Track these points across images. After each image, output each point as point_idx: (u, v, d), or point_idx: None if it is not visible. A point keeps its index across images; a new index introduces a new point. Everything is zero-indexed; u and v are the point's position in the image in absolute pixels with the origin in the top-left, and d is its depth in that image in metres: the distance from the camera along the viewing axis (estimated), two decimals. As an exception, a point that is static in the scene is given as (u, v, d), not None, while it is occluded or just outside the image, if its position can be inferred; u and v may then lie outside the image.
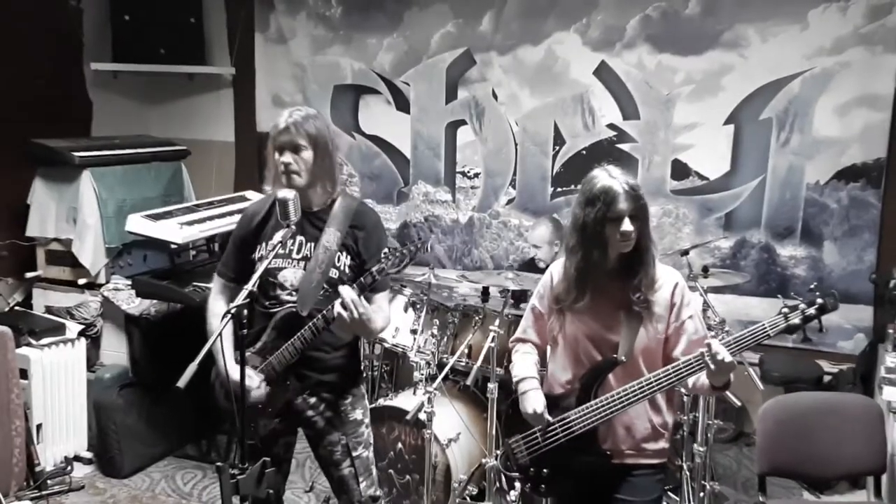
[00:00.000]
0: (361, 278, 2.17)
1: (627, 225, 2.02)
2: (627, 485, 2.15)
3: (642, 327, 2.10)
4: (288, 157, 2.26)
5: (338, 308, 2.12)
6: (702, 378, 2.05)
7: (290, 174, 2.27)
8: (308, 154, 2.27)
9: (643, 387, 2.05)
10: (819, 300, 1.90)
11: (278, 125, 2.27)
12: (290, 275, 2.31)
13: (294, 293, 2.30)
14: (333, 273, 2.30)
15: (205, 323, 2.45)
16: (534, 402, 2.18)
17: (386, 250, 2.16)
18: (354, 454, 2.43)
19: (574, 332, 2.18)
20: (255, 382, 2.27)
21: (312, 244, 2.32)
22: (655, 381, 2.04)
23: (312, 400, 2.38)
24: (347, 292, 2.11)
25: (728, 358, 1.92)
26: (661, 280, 2.13)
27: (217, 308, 2.41)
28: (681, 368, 2.01)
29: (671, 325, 2.12)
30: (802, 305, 1.91)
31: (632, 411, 2.11)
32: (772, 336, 1.91)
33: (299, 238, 2.33)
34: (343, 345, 2.40)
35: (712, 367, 1.93)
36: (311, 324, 2.22)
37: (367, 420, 2.50)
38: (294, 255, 2.33)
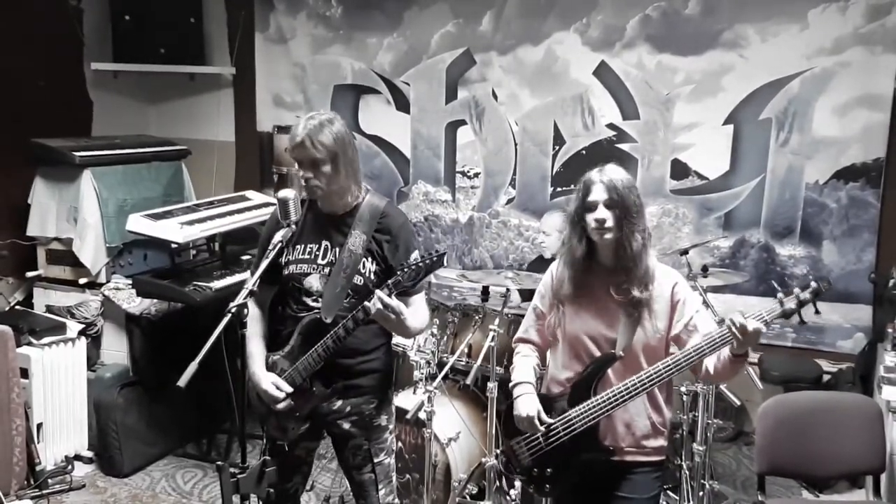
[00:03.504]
0: (380, 290, 2.13)
1: (602, 213, 2.08)
2: (627, 482, 2.16)
3: (641, 324, 2.11)
4: (308, 173, 2.22)
5: (376, 304, 2.10)
6: (723, 353, 2.01)
7: (310, 188, 2.25)
8: (327, 167, 2.21)
9: (643, 380, 2.06)
10: (813, 283, 1.93)
11: (294, 137, 2.20)
12: (315, 281, 2.29)
13: (319, 299, 2.28)
14: (358, 280, 2.27)
15: (207, 325, 2.44)
16: (526, 406, 2.19)
17: (402, 264, 2.14)
18: (376, 460, 2.41)
19: (574, 331, 2.19)
20: (281, 395, 2.26)
21: (338, 249, 2.29)
22: (655, 373, 2.05)
23: (339, 403, 2.36)
24: (381, 294, 2.10)
25: (756, 326, 1.89)
26: (660, 278, 2.14)
27: (250, 310, 2.40)
28: (691, 355, 2.01)
29: (677, 325, 2.13)
30: (797, 290, 1.94)
31: (632, 409, 2.12)
32: (769, 323, 1.92)
33: (325, 243, 2.31)
34: (371, 349, 2.37)
35: (741, 338, 1.91)
36: (333, 332, 2.20)
37: (391, 427, 2.48)
38: (319, 261, 2.30)
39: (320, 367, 2.26)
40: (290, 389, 2.27)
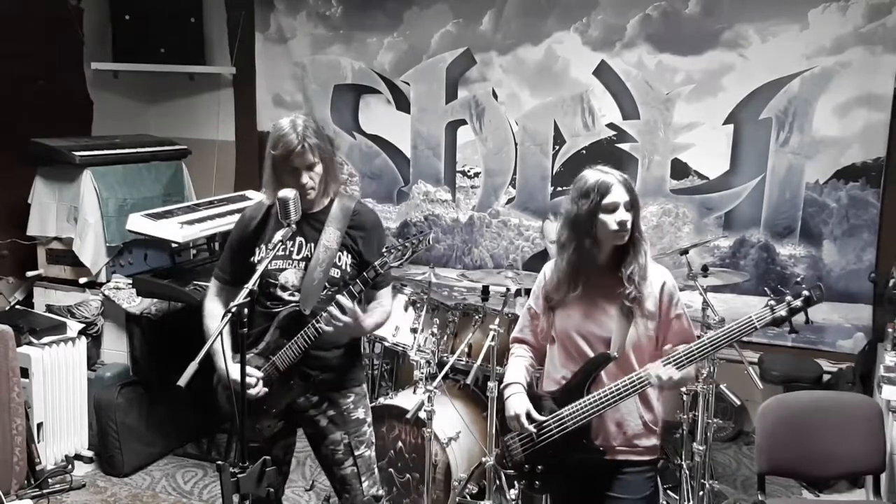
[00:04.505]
0: (364, 273, 2.20)
1: (624, 213, 2.05)
2: (619, 482, 2.15)
3: (633, 323, 2.10)
4: (305, 178, 2.26)
5: (335, 312, 2.15)
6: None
7: (307, 191, 2.28)
8: (319, 168, 2.29)
9: (634, 382, 2.06)
10: (805, 292, 1.90)
11: (289, 144, 2.22)
12: (291, 275, 2.32)
13: (296, 293, 2.31)
14: (335, 272, 2.32)
15: (202, 323, 2.45)
16: (515, 405, 2.19)
17: (388, 245, 2.19)
18: (357, 453, 2.43)
19: (566, 329, 2.19)
20: (252, 381, 2.26)
21: (312, 244, 2.33)
22: (628, 383, 2.07)
23: (315, 398, 2.39)
24: (344, 300, 2.16)
25: (670, 376, 1.99)
26: (651, 277, 2.14)
27: (213, 309, 2.43)
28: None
29: (663, 322, 2.14)
30: (788, 297, 1.92)
31: (622, 408, 2.12)
32: (758, 328, 1.92)
33: (299, 239, 2.34)
34: (345, 343, 2.41)
35: (657, 387, 2.03)
36: (313, 322, 2.23)
37: (369, 419, 2.51)
38: (294, 256, 2.34)
39: (296, 362, 2.28)
40: (260, 374, 2.29)
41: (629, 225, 2.06)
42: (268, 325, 2.33)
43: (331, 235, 2.32)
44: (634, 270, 2.09)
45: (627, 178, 2.10)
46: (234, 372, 2.21)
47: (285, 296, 2.32)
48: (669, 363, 2.00)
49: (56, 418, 3.68)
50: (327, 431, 2.41)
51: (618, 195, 2.05)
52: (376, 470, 2.53)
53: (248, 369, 2.26)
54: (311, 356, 2.31)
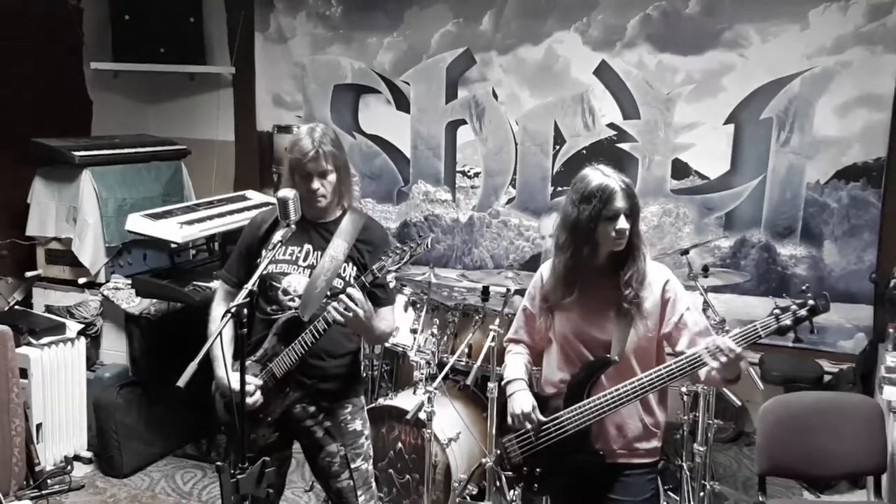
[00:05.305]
0: (362, 276, 2.19)
1: (623, 222, 2.03)
2: (620, 485, 2.14)
3: (633, 325, 2.08)
4: (317, 184, 2.28)
5: (343, 302, 2.11)
6: (713, 370, 2.00)
7: (318, 198, 2.29)
8: (333, 177, 2.30)
9: (636, 387, 2.04)
10: (811, 302, 1.86)
11: (304, 149, 2.24)
12: (295, 281, 2.31)
13: (297, 299, 2.30)
14: (338, 283, 2.30)
15: (206, 326, 2.44)
16: (521, 403, 2.17)
17: (387, 249, 2.18)
18: (353, 466, 2.41)
19: (564, 332, 2.18)
20: (251, 388, 2.25)
21: (319, 253, 2.33)
22: (648, 380, 2.03)
23: (312, 409, 2.37)
24: (354, 291, 2.13)
25: (735, 350, 1.88)
26: (651, 277, 2.12)
27: (220, 313, 2.40)
28: (673, 370, 2.00)
29: (668, 322, 2.11)
30: (794, 307, 1.88)
31: (623, 411, 2.10)
32: (763, 337, 1.89)
33: (307, 247, 2.34)
34: (343, 353, 2.39)
35: (715, 364, 1.91)
36: (311, 327, 2.22)
37: (366, 432, 2.49)
38: (300, 263, 2.33)
39: (293, 369, 2.27)
40: (259, 382, 2.27)
41: (627, 233, 2.04)
42: (266, 332, 2.32)
43: (338, 247, 2.31)
44: (633, 275, 2.07)
45: (629, 183, 2.07)
46: (233, 380, 2.20)
47: (286, 300, 2.31)
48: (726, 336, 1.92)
49: (55, 419, 3.67)
50: (323, 443, 2.39)
51: (619, 203, 2.02)
52: (374, 484, 2.51)
53: (247, 376, 2.26)
54: (308, 364, 2.29)
